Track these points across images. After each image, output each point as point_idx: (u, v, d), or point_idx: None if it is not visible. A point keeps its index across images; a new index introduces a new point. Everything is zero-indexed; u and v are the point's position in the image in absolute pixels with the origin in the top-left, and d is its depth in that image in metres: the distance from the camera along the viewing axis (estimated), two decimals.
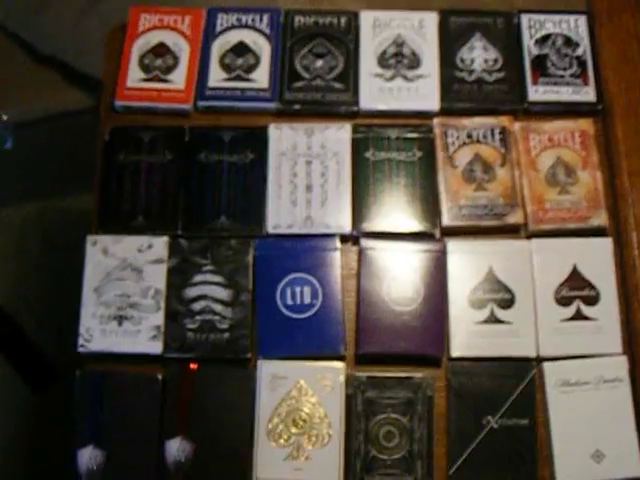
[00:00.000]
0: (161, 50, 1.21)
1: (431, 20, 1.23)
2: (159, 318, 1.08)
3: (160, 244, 1.11)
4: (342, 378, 1.05)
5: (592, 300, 1.08)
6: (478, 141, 1.14)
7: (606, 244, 1.11)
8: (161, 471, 1.03)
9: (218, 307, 1.08)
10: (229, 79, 1.19)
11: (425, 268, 1.08)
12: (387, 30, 1.21)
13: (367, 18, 1.22)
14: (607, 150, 1.16)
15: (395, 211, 1.11)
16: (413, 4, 1.71)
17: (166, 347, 1.07)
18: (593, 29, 1.22)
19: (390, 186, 1.12)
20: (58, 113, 1.87)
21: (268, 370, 1.05)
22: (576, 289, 1.08)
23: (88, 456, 1.04)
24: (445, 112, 1.17)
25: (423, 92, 1.18)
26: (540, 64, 1.19)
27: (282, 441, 1.03)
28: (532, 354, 1.06)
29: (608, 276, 1.09)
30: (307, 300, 1.08)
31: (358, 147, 1.15)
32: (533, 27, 1.21)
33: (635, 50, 1.20)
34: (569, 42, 1.21)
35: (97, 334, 1.08)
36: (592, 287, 1.09)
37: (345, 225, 1.11)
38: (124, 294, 1.09)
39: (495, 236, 1.12)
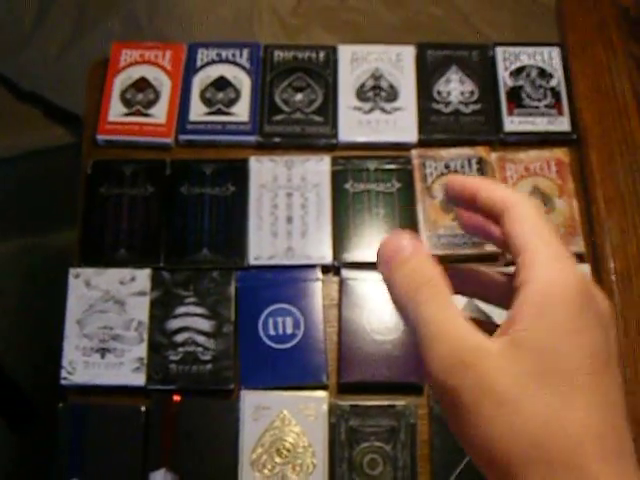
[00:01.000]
0: (142, 85, 1.22)
1: (408, 53, 1.25)
2: (142, 350, 1.08)
3: (143, 276, 1.11)
4: (325, 407, 1.05)
5: None
6: (456, 171, 1.16)
7: (584, 271, 1.12)
8: None
9: (201, 339, 1.08)
10: (210, 113, 1.20)
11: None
12: (365, 64, 1.23)
13: (345, 52, 1.24)
14: (582, 178, 1.18)
15: (375, 241, 1.11)
16: (388, 38, 1.74)
17: (149, 379, 1.07)
18: (567, 61, 1.24)
19: (370, 217, 1.14)
20: (39, 149, 1.88)
21: (251, 401, 1.06)
22: None
23: None
24: (423, 143, 1.18)
25: (401, 124, 1.19)
26: (515, 95, 1.21)
27: (266, 471, 1.03)
28: None
29: None
30: (289, 330, 1.08)
31: (337, 179, 1.16)
32: (508, 59, 1.24)
33: (607, 81, 1.22)
34: (543, 74, 1.23)
35: (80, 367, 1.08)
36: None
37: (326, 256, 1.12)
38: (107, 326, 1.09)
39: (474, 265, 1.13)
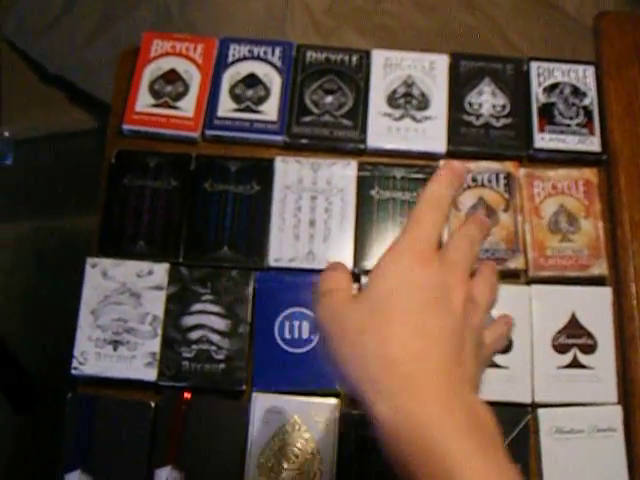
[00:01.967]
0: (172, 77, 1.21)
1: (442, 62, 1.23)
2: (155, 345, 1.07)
3: (160, 271, 1.10)
4: (336, 415, 1.04)
5: (589, 349, 1.08)
6: (483, 185, 1.15)
7: (605, 293, 1.11)
8: None
9: (215, 337, 1.07)
10: (238, 110, 1.19)
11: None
12: (398, 70, 1.22)
13: (378, 57, 1.23)
14: (609, 200, 1.16)
15: None
16: (420, 44, 1.73)
17: (160, 374, 1.06)
18: (601, 80, 1.23)
19: (393, 225, 1.13)
20: (61, 133, 1.87)
21: (262, 403, 1.05)
22: (574, 337, 1.09)
23: None
24: (451, 155, 1.17)
25: (430, 134, 1.18)
26: (547, 112, 1.20)
27: (273, 475, 1.02)
28: (527, 400, 1.06)
29: (606, 325, 1.09)
30: (305, 335, 1.07)
31: (363, 185, 1.15)
32: (542, 75, 1.22)
33: None
34: (577, 92, 1.22)
35: (91, 357, 1.07)
36: (590, 336, 1.09)
37: (347, 262, 1.10)
38: (121, 319, 1.09)
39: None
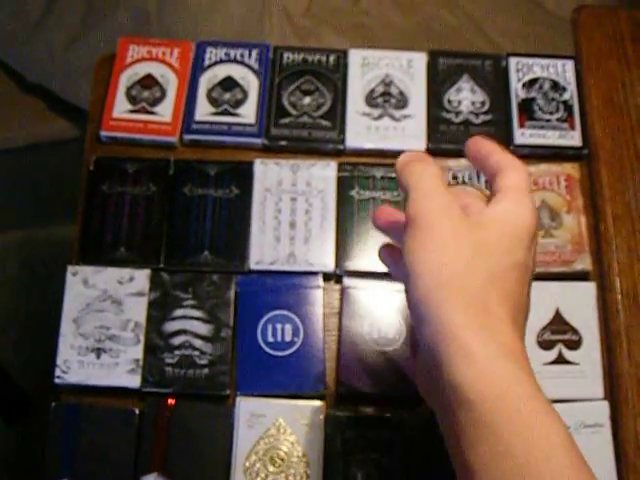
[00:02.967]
0: (149, 82, 1.21)
1: (420, 60, 1.23)
2: (138, 351, 1.07)
3: (141, 277, 1.10)
4: (321, 417, 1.04)
5: (574, 344, 1.08)
6: (464, 182, 1.14)
7: (590, 288, 1.10)
8: None
9: (198, 342, 1.07)
10: (216, 113, 1.18)
11: (407, 308, 1.08)
12: (375, 69, 1.21)
13: (356, 56, 1.23)
14: (592, 194, 1.16)
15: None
16: (399, 42, 1.73)
17: (144, 381, 1.06)
18: (580, 74, 1.23)
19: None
20: (42, 142, 1.86)
21: (247, 407, 1.04)
22: (559, 333, 1.08)
23: None
24: (431, 153, 1.16)
25: (410, 132, 1.18)
26: (527, 107, 1.19)
27: (259, 479, 1.02)
28: None
29: (590, 321, 1.09)
30: (288, 338, 1.07)
31: (343, 185, 1.14)
32: (521, 70, 1.22)
33: (621, 96, 1.20)
34: (556, 86, 1.21)
35: (74, 366, 1.06)
36: (575, 331, 1.08)
37: (328, 263, 1.10)
38: (103, 326, 1.08)
39: None
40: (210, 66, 1.22)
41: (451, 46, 1.29)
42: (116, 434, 1.04)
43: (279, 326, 1.07)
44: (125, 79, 1.21)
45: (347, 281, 1.09)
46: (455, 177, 1.15)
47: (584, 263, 1.11)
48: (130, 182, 1.15)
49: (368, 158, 1.17)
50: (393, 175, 1.15)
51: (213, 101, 1.19)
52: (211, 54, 1.23)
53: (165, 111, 1.19)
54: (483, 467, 0.58)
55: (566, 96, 1.21)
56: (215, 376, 1.06)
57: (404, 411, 1.05)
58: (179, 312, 1.08)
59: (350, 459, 1.03)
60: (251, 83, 1.21)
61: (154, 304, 1.09)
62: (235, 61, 1.22)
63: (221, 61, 1.22)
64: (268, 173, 1.15)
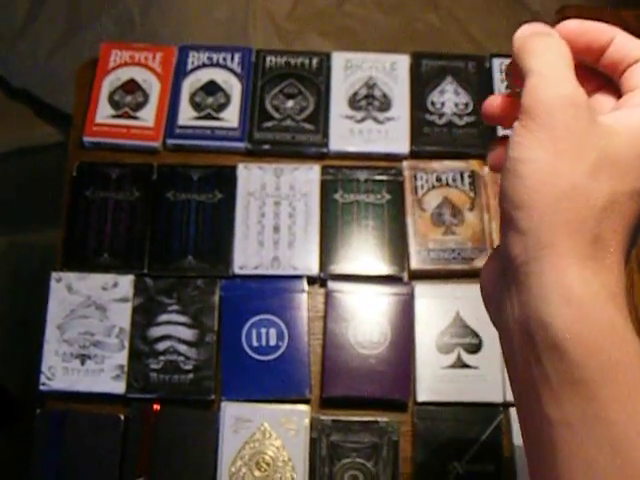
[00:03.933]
0: (131, 87, 1.20)
1: (403, 62, 1.23)
2: (122, 357, 1.06)
3: (125, 282, 1.09)
4: (307, 421, 1.04)
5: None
6: (447, 185, 1.14)
7: None
8: None
9: (182, 347, 1.06)
10: (199, 117, 1.18)
11: (392, 311, 1.08)
12: (358, 72, 1.21)
13: (339, 59, 1.22)
14: None
15: (363, 254, 1.10)
16: (384, 44, 1.72)
17: (129, 387, 1.05)
18: None
19: (358, 228, 1.12)
20: (28, 147, 1.86)
21: (232, 412, 1.04)
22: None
23: None
24: (415, 155, 1.17)
25: (393, 135, 1.17)
26: None
27: None
28: (499, 399, 1.06)
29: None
30: (273, 342, 1.07)
31: (327, 189, 1.14)
32: (504, 71, 1.22)
33: None
34: None
35: (59, 372, 1.06)
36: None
37: (313, 267, 1.10)
38: (88, 332, 1.08)
39: (463, 280, 1.11)
40: (193, 70, 1.22)
41: (435, 47, 1.29)
42: (101, 440, 1.04)
43: (264, 330, 1.07)
44: (108, 84, 1.21)
45: (331, 285, 1.09)
46: (439, 179, 1.14)
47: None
48: (113, 187, 1.15)
49: (352, 161, 1.17)
50: (377, 178, 1.15)
51: (196, 105, 1.19)
52: (193, 58, 1.22)
53: (148, 116, 1.18)
54: (568, 427, 0.48)
55: None
56: (200, 381, 1.05)
57: (389, 415, 1.05)
58: (163, 317, 1.08)
59: (336, 463, 1.03)
60: (234, 87, 1.20)
61: (138, 310, 1.09)
62: (218, 65, 1.22)
63: (204, 65, 1.22)
64: (251, 177, 1.15)
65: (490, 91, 1.21)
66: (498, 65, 1.23)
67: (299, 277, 1.10)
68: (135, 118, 1.18)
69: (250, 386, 1.05)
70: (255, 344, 1.07)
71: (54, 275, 1.10)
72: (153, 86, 1.20)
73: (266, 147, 1.17)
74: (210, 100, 1.20)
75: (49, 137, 1.84)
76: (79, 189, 1.15)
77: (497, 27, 1.75)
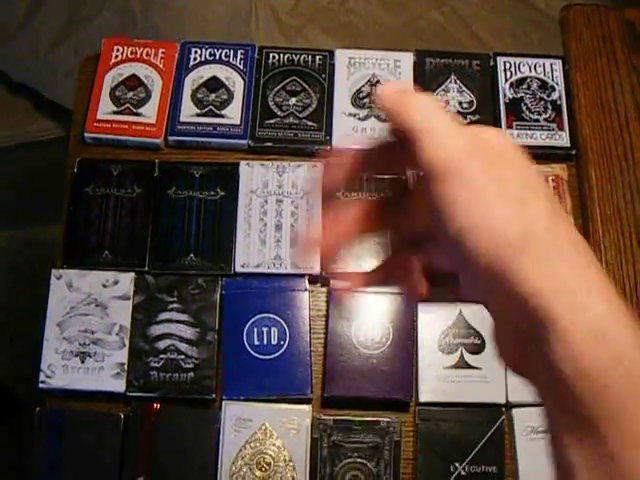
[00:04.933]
0: (133, 83, 1.19)
1: (406, 60, 1.22)
2: (123, 355, 1.06)
3: (126, 280, 1.09)
4: (308, 421, 1.03)
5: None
6: None
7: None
8: None
9: (183, 346, 1.06)
10: (201, 114, 1.17)
11: (395, 311, 1.07)
12: (362, 69, 1.21)
13: (342, 57, 1.22)
14: (580, 196, 1.15)
15: (365, 252, 1.10)
16: (387, 42, 1.72)
17: (129, 385, 1.05)
18: (569, 74, 1.22)
19: None
20: (28, 142, 1.85)
21: (233, 412, 1.03)
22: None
23: None
24: None
25: None
26: (515, 107, 1.19)
27: None
28: (501, 400, 1.05)
29: None
30: (274, 341, 1.06)
31: None
32: (508, 70, 1.21)
33: (610, 96, 1.20)
34: (544, 86, 1.20)
35: (59, 370, 1.05)
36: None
37: (314, 266, 1.09)
38: (88, 330, 1.07)
39: None
40: (195, 66, 1.21)
41: (439, 45, 1.28)
42: (101, 439, 1.03)
43: (265, 329, 1.06)
44: (109, 80, 1.20)
45: (334, 284, 1.08)
46: None
47: None
48: (114, 184, 1.14)
49: None
50: (379, 176, 1.14)
51: (198, 102, 1.18)
52: (196, 54, 1.22)
53: (150, 112, 1.18)
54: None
55: (554, 96, 1.20)
56: (201, 380, 1.05)
57: (390, 415, 1.05)
58: (164, 315, 1.07)
59: (337, 463, 1.02)
60: (236, 83, 1.20)
61: (139, 307, 1.08)
62: (220, 61, 1.21)
63: (206, 61, 1.21)
64: (254, 175, 1.14)
65: (494, 89, 1.20)
66: (502, 63, 1.22)
67: (301, 276, 1.09)
68: (137, 114, 1.17)
69: (251, 385, 1.05)
70: (256, 343, 1.06)
71: (54, 272, 1.10)
72: (155, 82, 1.19)
73: (268, 144, 1.16)
74: (212, 96, 1.19)
75: (49, 132, 1.83)
76: (80, 185, 1.14)
77: (501, 25, 1.74)
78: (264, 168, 1.14)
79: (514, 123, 1.17)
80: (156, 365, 1.05)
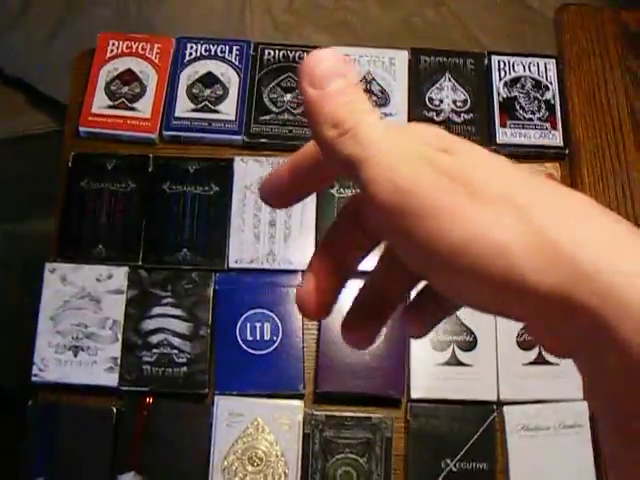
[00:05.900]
0: (128, 77, 1.19)
1: (401, 58, 1.22)
2: (116, 350, 1.06)
3: (120, 274, 1.09)
4: (300, 417, 1.03)
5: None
6: None
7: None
8: None
9: (176, 341, 1.06)
10: (196, 110, 1.17)
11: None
12: (357, 67, 1.21)
13: None
14: None
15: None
16: (381, 39, 1.72)
17: (122, 379, 1.05)
18: (563, 73, 1.22)
19: None
20: (22, 135, 1.84)
21: (225, 406, 1.04)
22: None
23: None
24: None
25: None
26: (509, 106, 1.19)
27: (237, 478, 1.01)
28: (493, 397, 1.05)
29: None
30: (267, 336, 1.06)
31: None
32: (503, 69, 1.22)
33: (603, 96, 1.20)
34: (538, 85, 1.21)
35: (52, 364, 1.05)
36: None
37: (308, 262, 1.09)
38: (81, 324, 1.07)
39: None
40: (190, 62, 1.21)
41: (434, 44, 1.27)
42: (93, 433, 1.03)
43: (258, 325, 1.07)
44: (104, 74, 1.20)
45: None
46: None
47: None
48: (109, 178, 1.14)
49: None
50: None
51: (193, 97, 1.18)
52: (191, 50, 1.22)
53: (145, 107, 1.18)
54: None
55: (548, 95, 1.20)
56: (193, 375, 1.05)
57: (383, 411, 1.05)
58: (157, 310, 1.08)
59: (329, 459, 1.02)
60: (232, 79, 1.20)
61: (132, 302, 1.08)
62: (216, 57, 1.21)
63: (201, 57, 1.21)
64: (248, 170, 1.14)
65: (488, 88, 1.21)
66: (496, 62, 1.22)
67: (294, 271, 1.09)
68: (132, 109, 1.17)
69: (244, 380, 1.05)
70: (249, 338, 1.06)
71: (48, 266, 1.10)
72: (150, 77, 1.19)
73: (263, 141, 1.16)
74: (207, 92, 1.19)
75: (43, 126, 1.82)
76: (74, 179, 1.14)
77: (496, 24, 1.74)
78: (258, 164, 1.14)
79: (508, 122, 1.18)
80: (149, 359, 1.06)
